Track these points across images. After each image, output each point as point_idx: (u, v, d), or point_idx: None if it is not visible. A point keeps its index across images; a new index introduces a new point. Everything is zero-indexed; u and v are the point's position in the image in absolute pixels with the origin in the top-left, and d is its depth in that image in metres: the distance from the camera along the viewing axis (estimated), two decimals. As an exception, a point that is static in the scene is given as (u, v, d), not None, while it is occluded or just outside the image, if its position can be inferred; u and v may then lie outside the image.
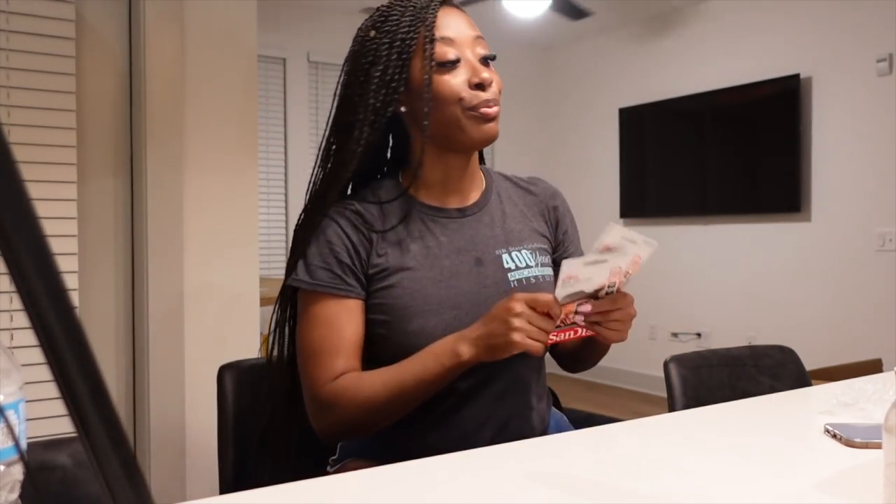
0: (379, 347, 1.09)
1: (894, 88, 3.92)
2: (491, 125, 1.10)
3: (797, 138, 4.27)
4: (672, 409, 1.38)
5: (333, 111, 1.16)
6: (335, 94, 1.16)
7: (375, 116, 1.09)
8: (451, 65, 1.08)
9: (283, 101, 4.93)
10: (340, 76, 1.16)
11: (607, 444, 0.94)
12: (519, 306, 0.94)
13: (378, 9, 1.13)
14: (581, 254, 1.23)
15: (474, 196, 1.18)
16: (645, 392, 4.91)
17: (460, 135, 1.09)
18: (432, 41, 1.07)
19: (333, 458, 1.19)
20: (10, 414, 0.57)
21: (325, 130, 1.16)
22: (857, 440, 0.93)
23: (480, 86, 1.08)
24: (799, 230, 4.35)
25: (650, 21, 5.19)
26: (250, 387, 1.24)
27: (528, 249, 1.16)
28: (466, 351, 0.98)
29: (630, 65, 5.33)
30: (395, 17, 1.09)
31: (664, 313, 4.92)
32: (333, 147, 1.15)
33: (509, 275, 1.12)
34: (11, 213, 0.36)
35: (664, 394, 1.44)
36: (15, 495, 0.58)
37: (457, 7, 1.14)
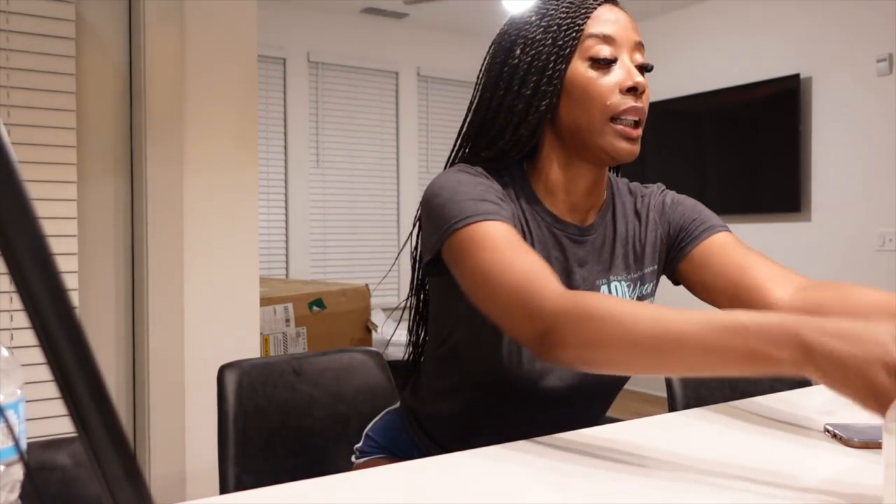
0: (460, 365, 1.01)
1: (894, 88, 3.91)
2: (631, 146, 1.00)
3: (797, 138, 4.28)
4: (672, 409, 1.38)
5: (478, 94, 1.08)
6: (479, 75, 1.09)
7: (528, 108, 1.01)
8: (605, 63, 1.00)
9: (283, 101, 4.93)
10: (485, 58, 1.08)
11: (607, 444, 0.94)
12: None
13: None
14: (722, 227, 1.10)
15: (594, 213, 1.08)
16: (645, 392, 4.91)
17: (594, 143, 1.00)
18: (581, 34, 0.99)
19: (358, 445, 1.19)
20: (10, 414, 0.57)
21: (467, 114, 1.09)
22: (857, 440, 0.92)
23: (633, 90, 1.00)
24: (799, 230, 4.35)
25: (650, 21, 5.19)
26: (250, 387, 1.24)
27: (627, 280, 1.07)
28: (786, 355, 0.68)
29: (630, 65, 5.33)
30: (557, 5, 1.01)
31: (664, 313, 4.91)
32: (475, 133, 1.07)
33: None
34: (11, 213, 0.36)
35: (664, 394, 1.44)
36: (15, 495, 0.58)
37: (622, 8, 1.05)
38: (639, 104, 1.01)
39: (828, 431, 0.98)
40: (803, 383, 1.52)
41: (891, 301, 0.90)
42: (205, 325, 2.21)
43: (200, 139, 2.22)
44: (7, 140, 0.37)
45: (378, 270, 5.19)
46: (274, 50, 4.82)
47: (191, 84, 2.20)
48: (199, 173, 2.21)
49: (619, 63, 1.01)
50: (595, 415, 1.11)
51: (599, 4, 1.02)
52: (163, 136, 2.16)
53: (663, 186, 1.17)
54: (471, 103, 1.10)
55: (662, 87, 5.04)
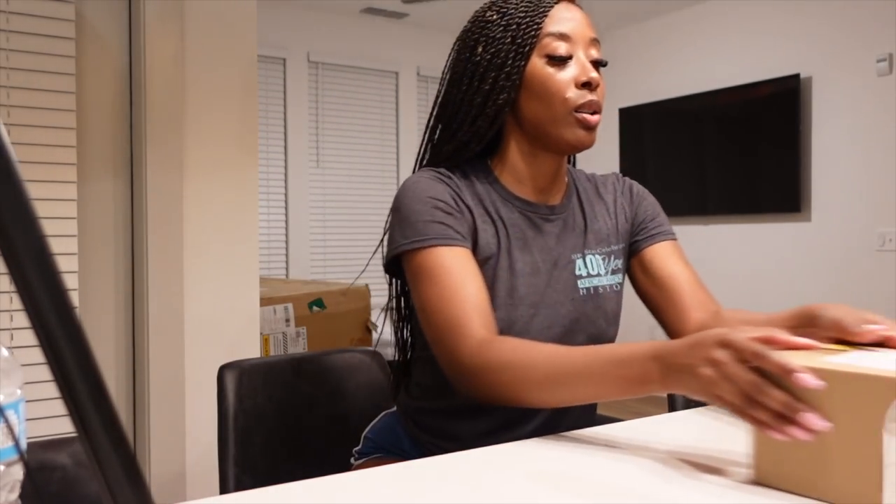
0: None
1: (894, 88, 3.92)
2: (589, 133, 1.06)
3: (797, 138, 4.28)
4: (672, 409, 1.38)
5: (444, 89, 1.13)
6: (444, 70, 1.14)
7: (485, 101, 1.07)
8: (560, 61, 1.05)
9: (283, 101, 4.93)
10: (450, 55, 1.14)
11: (607, 444, 0.94)
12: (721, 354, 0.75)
13: None
14: (671, 235, 1.20)
15: (560, 196, 1.15)
16: (645, 392, 4.91)
17: (556, 134, 1.06)
18: (539, 32, 1.05)
19: (357, 449, 1.21)
20: (10, 414, 0.57)
21: (434, 108, 1.15)
22: (858, 440, 0.92)
23: (588, 85, 1.05)
24: (799, 230, 4.35)
25: (650, 21, 5.19)
26: (250, 387, 1.24)
27: (600, 254, 1.14)
28: (655, 372, 0.82)
29: (630, 65, 5.33)
30: (516, 5, 1.07)
31: (664, 313, 4.92)
32: (440, 127, 1.13)
33: (579, 282, 1.10)
34: (11, 213, 0.36)
35: (664, 394, 1.44)
36: (15, 495, 0.58)
37: (578, 6, 1.11)
38: (594, 97, 1.06)
39: (828, 431, 0.98)
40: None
41: (779, 316, 0.98)
42: (205, 326, 2.22)
43: (200, 139, 2.22)
44: (7, 140, 0.37)
45: (378, 270, 5.17)
46: (274, 50, 4.82)
47: (191, 84, 2.21)
48: (199, 173, 2.21)
49: (574, 59, 1.06)
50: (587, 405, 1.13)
51: (556, 2, 1.07)
52: (163, 136, 2.16)
53: (621, 175, 1.25)
54: (436, 99, 1.15)
55: (662, 87, 5.04)
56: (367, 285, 3.34)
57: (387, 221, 1.10)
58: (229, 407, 1.22)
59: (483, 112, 1.07)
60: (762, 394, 0.71)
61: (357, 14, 5.13)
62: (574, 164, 1.25)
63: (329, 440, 1.31)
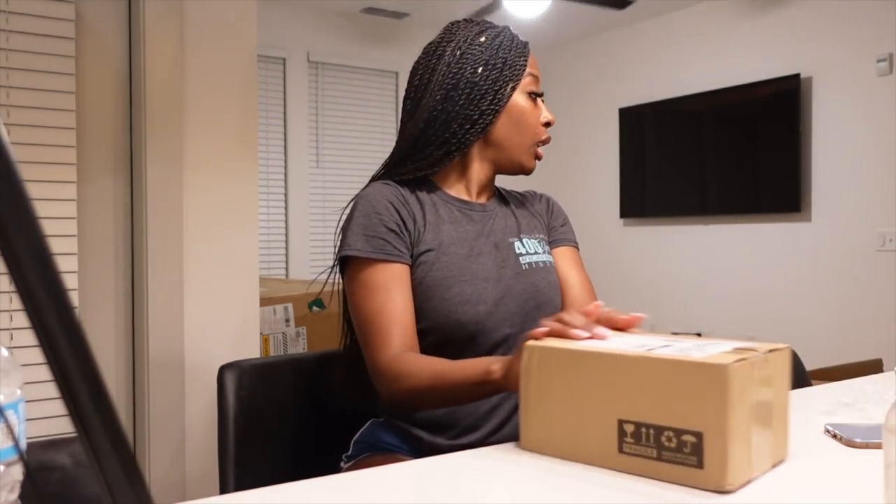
0: (421, 314, 1.16)
1: (894, 88, 3.92)
2: (536, 164, 1.28)
3: (797, 138, 4.28)
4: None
5: (432, 102, 1.23)
6: (424, 79, 1.25)
7: (480, 117, 1.22)
8: (534, 98, 1.26)
9: (283, 101, 4.93)
10: (431, 61, 1.24)
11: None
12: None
13: (482, 21, 1.27)
14: (573, 243, 1.38)
15: (487, 197, 1.32)
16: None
17: (517, 158, 1.26)
18: (525, 69, 1.24)
19: (347, 454, 1.23)
20: (10, 414, 0.57)
21: (412, 115, 1.26)
22: (857, 440, 0.93)
23: (548, 124, 1.27)
24: (799, 230, 4.35)
25: (650, 21, 5.19)
26: (250, 387, 1.24)
27: (534, 239, 1.30)
28: (497, 371, 0.98)
29: (630, 65, 5.33)
30: (505, 38, 1.24)
31: (664, 313, 4.92)
32: (425, 136, 1.24)
33: (521, 258, 1.24)
34: (11, 213, 0.36)
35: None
36: (15, 495, 0.58)
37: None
38: (548, 134, 1.29)
39: (828, 431, 0.99)
40: (802, 383, 1.52)
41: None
42: (205, 325, 2.21)
43: (200, 139, 2.22)
44: (7, 140, 0.37)
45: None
46: (274, 50, 4.82)
47: (191, 84, 2.20)
48: (199, 173, 2.21)
49: (540, 100, 1.28)
50: None
51: (528, 48, 1.27)
52: (163, 136, 2.16)
53: (541, 193, 1.43)
54: (412, 107, 1.26)
55: (662, 87, 5.04)
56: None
57: (338, 223, 1.25)
58: (229, 407, 1.22)
59: (475, 126, 1.22)
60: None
61: (357, 14, 5.13)
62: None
63: (329, 440, 1.31)
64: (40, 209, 0.37)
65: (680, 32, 5.00)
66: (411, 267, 1.18)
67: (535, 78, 1.26)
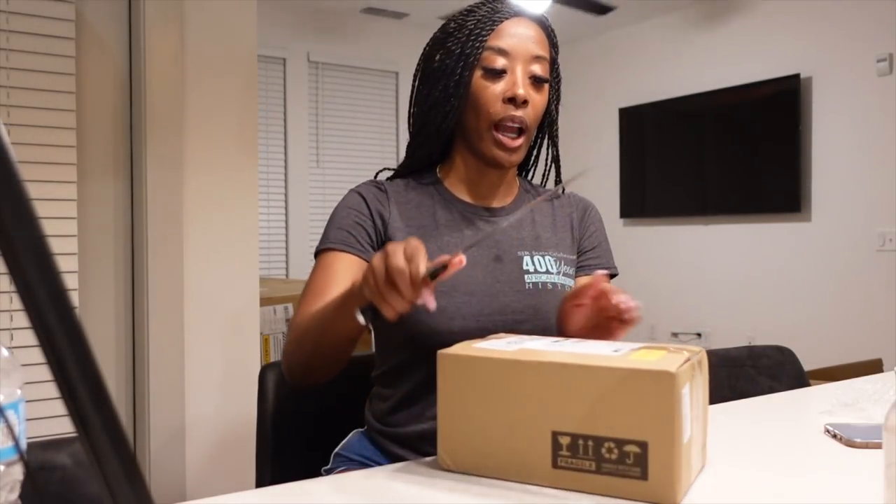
0: (392, 325, 1.07)
1: (894, 88, 3.92)
2: (507, 155, 1.11)
3: (797, 138, 4.28)
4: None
5: (414, 94, 1.20)
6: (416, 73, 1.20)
7: (435, 107, 1.13)
8: (495, 74, 1.09)
9: (283, 101, 4.93)
10: (419, 59, 1.20)
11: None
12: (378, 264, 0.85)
13: (473, 6, 1.16)
14: (609, 265, 1.23)
15: (505, 201, 1.20)
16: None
17: (478, 147, 1.12)
18: (483, 45, 1.10)
19: (326, 468, 1.18)
20: (10, 414, 0.57)
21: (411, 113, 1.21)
22: (857, 440, 0.93)
23: (513, 100, 1.08)
24: (799, 230, 4.35)
25: (650, 21, 5.19)
26: (290, 386, 1.22)
27: (552, 257, 1.16)
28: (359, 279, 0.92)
29: (630, 65, 5.33)
30: (472, 19, 1.12)
31: (664, 313, 4.92)
32: (411, 130, 1.20)
33: (526, 276, 1.12)
34: (11, 213, 0.36)
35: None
36: (15, 495, 0.58)
37: (533, 22, 1.14)
38: (518, 113, 1.09)
39: (828, 431, 0.99)
40: (802, 383, 1.52)
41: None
42: (205, 325, 2.21)
43: (200, 139, 2.22)
44: (7, 140, 0.37)
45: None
46: (274, 50, 4.82)
47: (191, 84, 2.20)
48: (199, 173, 2.21)
49: (509, 74, 1.09)
50: None
51: (507, 19, 1.11)
52: (163, 136, 2.16)
53: (585, 200, 1.29)
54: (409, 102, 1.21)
55: (662, 87, 5.04)
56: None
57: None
58: (269, 406, 1.21)
59: (447, 119, 1.12)
60: (389, 283, 0.82)
61: (357, 14, 5.13)
62: (526, 176, 1.29)
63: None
64: (40, 209, 0.37)
65: (680, 32, 5.00)
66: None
67: (499, 51, 1.10)
